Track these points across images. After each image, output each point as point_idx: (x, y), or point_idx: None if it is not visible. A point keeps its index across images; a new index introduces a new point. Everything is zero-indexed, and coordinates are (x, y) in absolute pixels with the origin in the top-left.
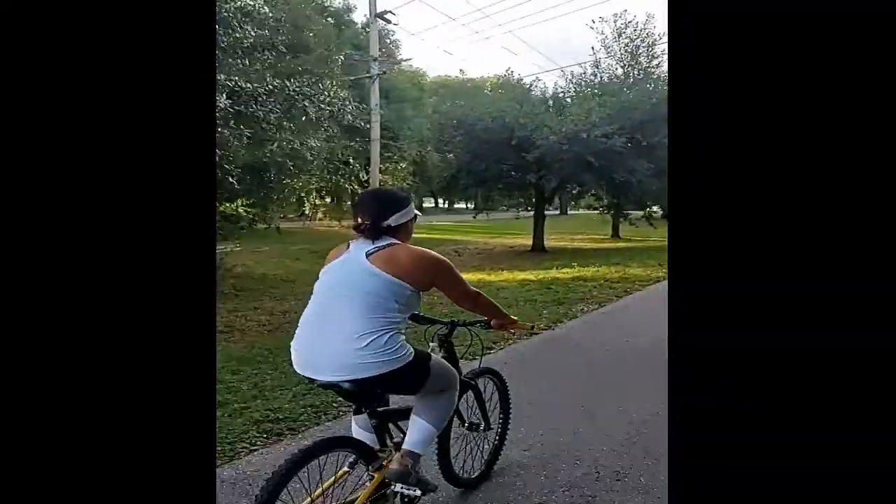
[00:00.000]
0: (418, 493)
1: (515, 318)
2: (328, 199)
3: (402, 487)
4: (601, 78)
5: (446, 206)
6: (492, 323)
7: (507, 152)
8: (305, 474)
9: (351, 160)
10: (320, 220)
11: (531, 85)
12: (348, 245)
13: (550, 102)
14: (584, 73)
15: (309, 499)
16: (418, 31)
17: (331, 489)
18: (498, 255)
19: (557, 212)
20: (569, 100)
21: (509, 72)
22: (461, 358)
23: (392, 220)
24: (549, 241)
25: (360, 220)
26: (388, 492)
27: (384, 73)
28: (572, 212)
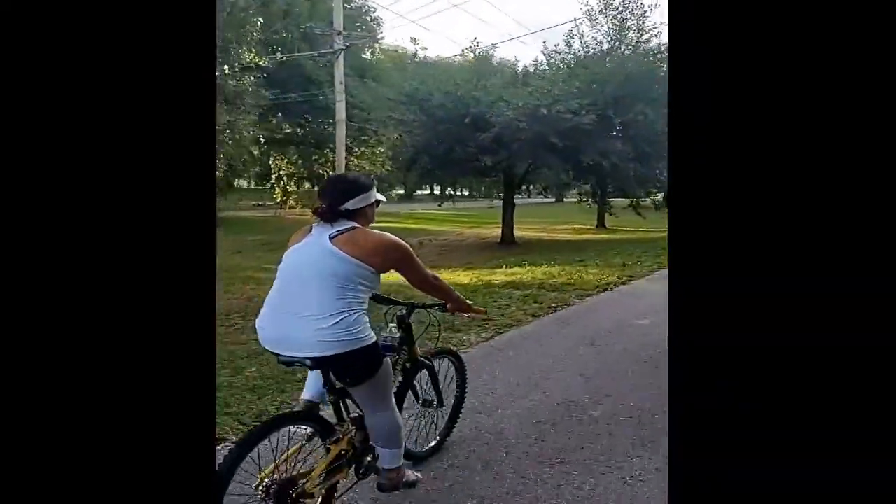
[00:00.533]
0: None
1: (471, 303)
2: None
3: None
4: (582, 52)
5: (439, 193)
6: (447, 306)
7: (465, 132)
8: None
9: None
10: (291, 207)
11: (501, 60)
12: (311, 229)
13: (521, 77)
14: (562, 45)
15: (267, 470)
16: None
17: (288, 461)
18: (463, 249)
19: (552, 200)
20: (538, 73)
21: (475, 42)
22: (417, 339)
23: (350, 204)
24: (528, 232)
25: (320, 203)
26: (342, 462)
27: (347, 47)
28: (569, 200)
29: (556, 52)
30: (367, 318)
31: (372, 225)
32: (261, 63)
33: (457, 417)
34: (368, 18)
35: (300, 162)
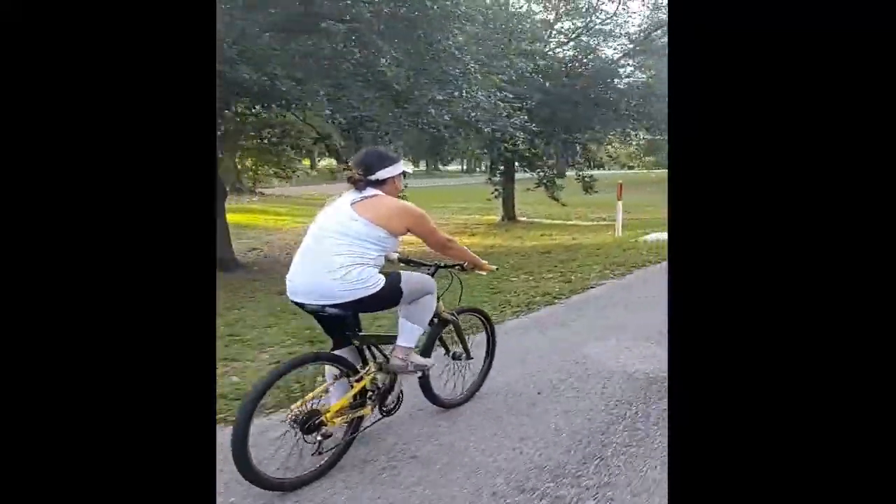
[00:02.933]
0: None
1: (485, 261)
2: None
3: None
4: None
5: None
6: (465, 266)
7: None
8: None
9: None
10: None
11: None
12: (340, 196)
13: None
14: None
15: (297, 404)
16: None
17: (317, 397)
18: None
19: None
20: None
21: None
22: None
23: (379, 175)
24: None
25: (353, 173)
26: (366, 400)
27: None
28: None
29: None
30: (374, 270)
31: None
32: None
33: (487, 372)
34: None
35: None
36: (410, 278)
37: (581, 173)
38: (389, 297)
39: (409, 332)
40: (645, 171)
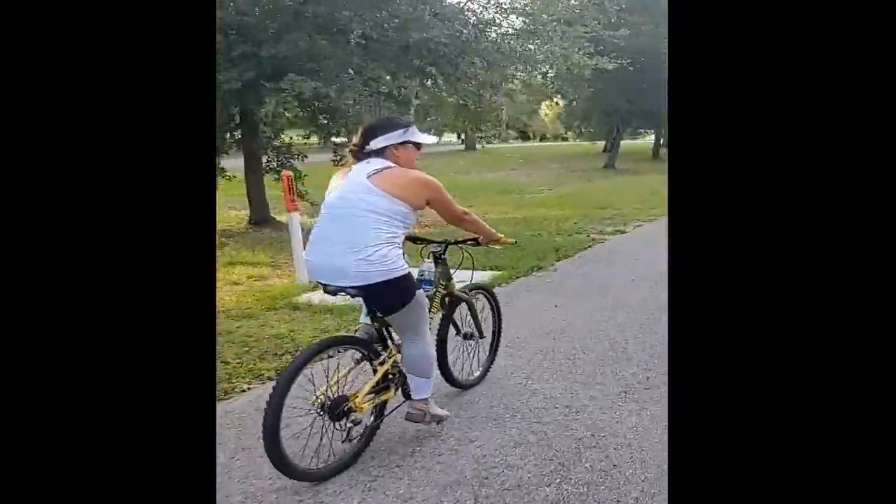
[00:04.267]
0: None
1: (501, 235)
2: None
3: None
4: None
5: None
6: (479, 240)
7: None
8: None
9: None
10: None
11: None
12: (350, 170)
13: None
14: None
15: (322, 388)
16: None
17: (339, 382)
18: None
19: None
20: None
21: None
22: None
23: (373, 144)
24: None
25: (353, 144)
26: (389, 383)
27: None
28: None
29: None
30: (400, 251)
31: None
32: None
33: (496, 350)
34: None
35: None
36: (421, 296)
37: None
38: (404, 293)
39: (423, 387)
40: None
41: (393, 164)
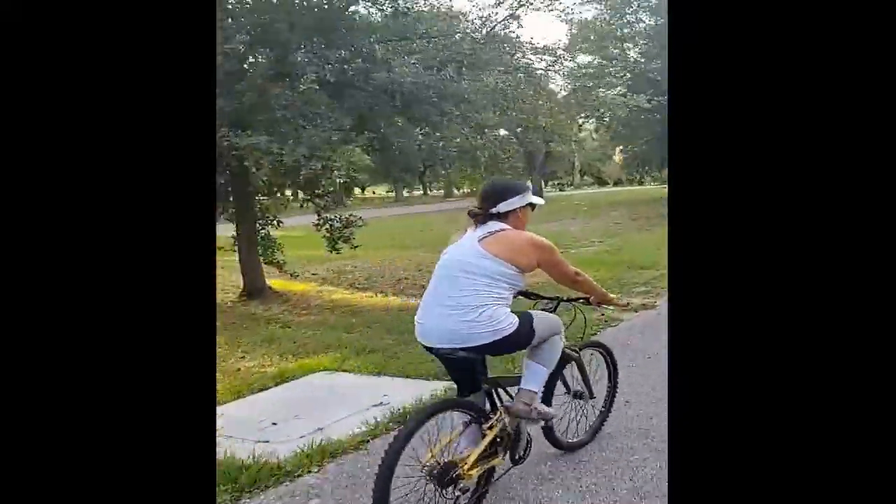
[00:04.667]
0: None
1: (614, 296)
2: None
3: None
4: None
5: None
6: (590, 299)
7: None
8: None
9: None
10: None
11: None
12: (466, 230)
13: None
14: None
15: (430, 453)
16: None
17: (447, 446)
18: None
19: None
20: None
21: None
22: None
23: (501, 207)
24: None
25: (476, 206)
26: (498, 448)
27: None
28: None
29: None
30: (507, 310)
31: None
32: None
33: (609, 411)
34: None
35: None
36: (542, 319)
37: None
38: (523, 339)
39: (535, 375)
40: None
41: (507, 227)
